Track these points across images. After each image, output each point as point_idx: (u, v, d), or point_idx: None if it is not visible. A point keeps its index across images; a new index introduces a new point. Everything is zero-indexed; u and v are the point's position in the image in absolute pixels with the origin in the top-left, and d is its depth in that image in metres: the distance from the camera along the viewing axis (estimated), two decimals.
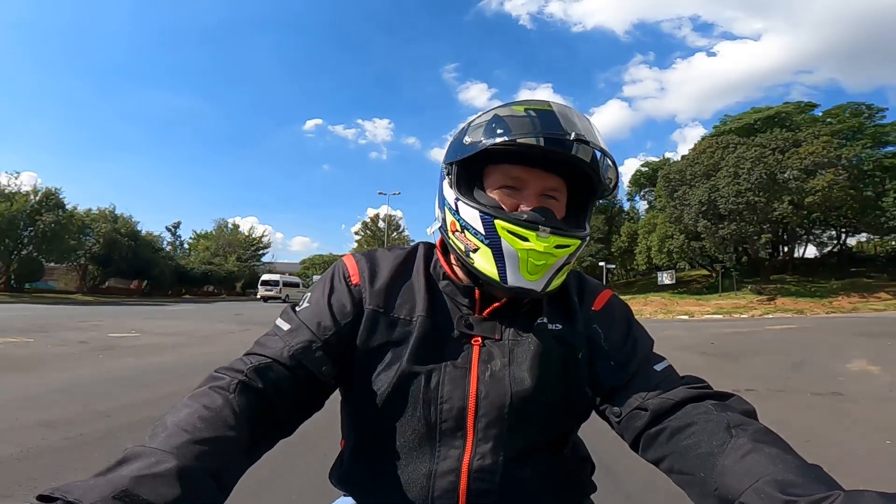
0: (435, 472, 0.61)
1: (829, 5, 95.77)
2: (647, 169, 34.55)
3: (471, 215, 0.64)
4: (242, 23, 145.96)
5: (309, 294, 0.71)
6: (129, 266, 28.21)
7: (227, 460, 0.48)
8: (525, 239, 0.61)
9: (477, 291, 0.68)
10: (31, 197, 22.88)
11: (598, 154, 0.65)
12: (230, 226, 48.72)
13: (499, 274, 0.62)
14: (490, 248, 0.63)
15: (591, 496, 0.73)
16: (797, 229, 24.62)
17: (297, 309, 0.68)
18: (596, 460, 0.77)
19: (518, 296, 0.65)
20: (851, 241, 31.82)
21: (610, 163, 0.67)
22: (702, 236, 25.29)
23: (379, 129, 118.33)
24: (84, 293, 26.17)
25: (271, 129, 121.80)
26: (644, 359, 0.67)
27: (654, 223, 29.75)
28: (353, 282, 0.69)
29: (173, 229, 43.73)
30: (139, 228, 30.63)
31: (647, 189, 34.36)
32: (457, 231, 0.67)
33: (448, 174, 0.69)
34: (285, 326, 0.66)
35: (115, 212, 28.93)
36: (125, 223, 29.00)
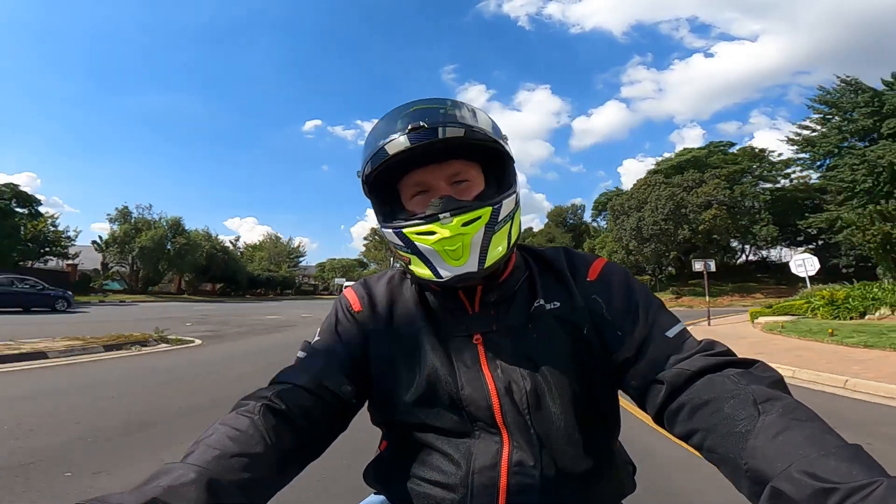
0: (473, 469, 0.61)
1: (826, 7, 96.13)
2: (603, 199, 44.15)
3: (390, 234, 0.67)
4: (243, 24, 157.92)
5: (319, 328, 0.75)
6: (221, 274, 39.12)
7: (256, 475, 0.49)
8: (431, 233, 0.62)
9: (460, 291, 0.68)
10: (164, 224, 33.74)
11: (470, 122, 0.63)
12: (275, 237, 59.74)
13: (433, 273, 0.64)
14: (414, 255, 0.64)
15: (630, 496, 0.70)
16: (698, 246, 33.70)
17: (312, 341, 0.72)
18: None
19: (461, 283, 0.64)
20: (773, 253, 40.57)
21: (478, 121, 0.65)
22: (633, 253, 34.89)
23: None
24: (189, 294, 37.05)
25: (271, 130, 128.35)
26: (652, 323, 0.63)
27: (606, 241, 39.29)
28: (356, 309, 0.73)
29: (234, 242, 54.95)
30: (225, 244, 41.81)
31: (603, 212, 43.92)
32: (395, 253, 0.69)
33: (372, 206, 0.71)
34: (303, 355, 0.69)
35: (209, 232, 39.97)
36: (217, 241, 40.01)
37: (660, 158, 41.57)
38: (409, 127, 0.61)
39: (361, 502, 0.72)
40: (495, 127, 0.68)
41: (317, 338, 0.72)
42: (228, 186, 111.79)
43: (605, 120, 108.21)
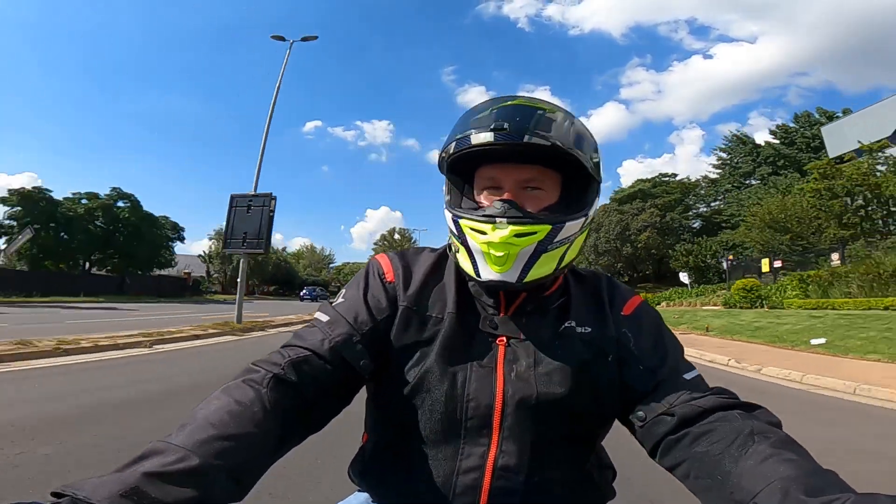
0: (458, 469, 0.61)
1: (824, 8, 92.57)
2: None
3: (449, 218, 0.68)
4: (243, 26, 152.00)
5: (344, 290, 0.71)
6: (282, 278, 51.66)
7: (250, 457, 0.48)
8: (483, 233, 0.62)
9: (501, 291, 0.68)
10: None
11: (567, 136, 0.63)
12: (311, 247, 72.25)
13: (473, 270, 0.65)
14: (463, 246, 0.65)
15: (610, 502, 0.72)
16: (641, 259, 44.83)
17: (334, 303, 0.69)
18: (617, 468, 0.76)
19: (498, 288, 0.66)
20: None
21: (574, 141, 0.64)
22: (592, 264, 46.49)
23: (378, 130, 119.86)
24: (256, 296, 49.38)
25: (271, 131, 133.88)
26: (674, 366, 0.66)
27: None
28: (388, 279, 0.70)
29: (282, 251, 67.77)
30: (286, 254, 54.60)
31: None
32: (450, 234, 0.70)
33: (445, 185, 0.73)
34: (324, 318, 0.67)
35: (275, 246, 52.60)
36: (281, 254, 52.67)
37: (616, 188, 52.48)
38: (494, 126, 0.61)
39: (345, 499, 0.71)
40: (588, 143, 0.67)
41: (341, 300, 0.70)
42: (229, 187, 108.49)
43: (604, 121, 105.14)
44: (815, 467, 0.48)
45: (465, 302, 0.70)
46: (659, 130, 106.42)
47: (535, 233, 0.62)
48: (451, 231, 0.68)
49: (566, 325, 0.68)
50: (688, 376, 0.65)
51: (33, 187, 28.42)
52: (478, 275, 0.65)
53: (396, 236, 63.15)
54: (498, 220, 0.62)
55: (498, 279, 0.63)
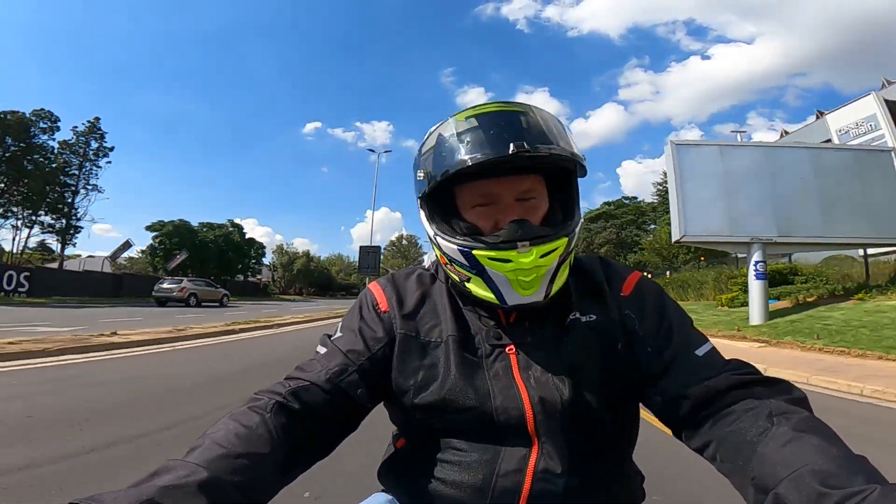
0: (498, 471, 0.60)
1: (821, 10, 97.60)
2: None
3: (451, 249, 0.64)
4: (244, 28, 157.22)
5: (341, 323, 0.72)
6: (324, 283, 65.36)
7: (259, 475, 0.49)
8: (507, 260, 0.60)
9: None
10: (300, 253, 59.95)
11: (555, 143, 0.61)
12: (339, 256, 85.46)
13: (497, 298, 0.63)
14: (479, 276, 0.63)
15: None
16: None
17: (332, 337, 0.69)
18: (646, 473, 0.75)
19: (527, 310, 0.65)
20: None
21: (564, 144, 0.62)
22: None
23: (378, 131, 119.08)
24: (302, 295, 62.73)
25: (271, 132, 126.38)
26: (683, 342, 0.64)
27: None
28: (382, 309, 0.70)
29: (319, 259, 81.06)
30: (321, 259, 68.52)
31: None
32: (447, 263, 0.67)
33: (421, 208, 0.69)
34: (323, 350, 0.67)
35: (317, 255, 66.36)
36: (320, 262, 66.36)
37: (586, 210, 64.88)
38: (513, 149, 0.57)
39: (366, 500, 0.70)
40: (574, 140, 0.65)
41: (339, 334, 0.70)
42: (229, 187, 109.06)
43: (603, 122, 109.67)
44: (839, 452, 0.44)
45: (462, 320, 0.69)
46: (658, 131, 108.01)
47: (556, 249, 0.62)
48: (456, 261, 0.65)
49: (571, 317, 0.67)
50: (699, 352, 0.63)
51: (179, 220, 41.36)
52: (503, 302, 0.63)
53: (404, 242, 70.71)
54: (520, 244, 0.60)
55: (527, 302, 0.63)
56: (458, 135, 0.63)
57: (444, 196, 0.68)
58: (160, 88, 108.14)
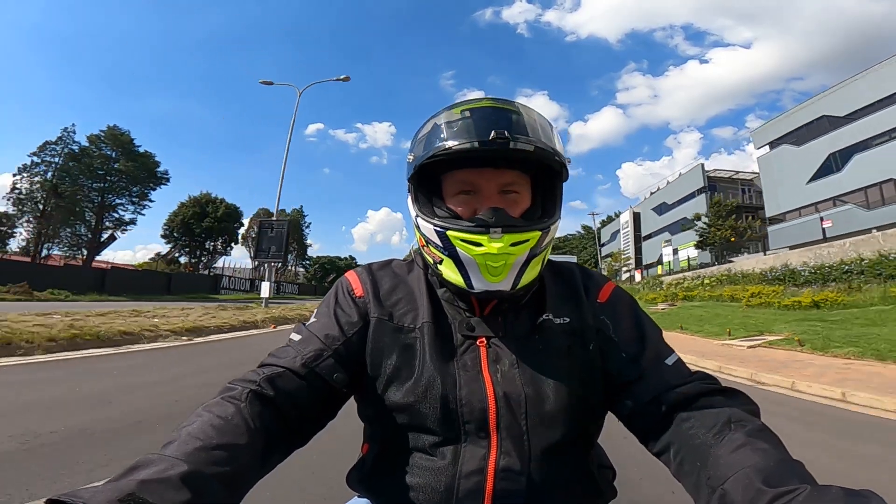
0: (460, 473, 0.61)
1: (819, 14, 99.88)
2: None
3: (429, 229, 0.65)
4: (245, 29, 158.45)
5: (316, 310, 0.72)
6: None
7: (238, 466, 0.49)
8: (478, 244, 0.61)
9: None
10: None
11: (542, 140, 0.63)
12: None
13: (464, 281, 0.64)
14: (450, 258, 0.64)
15: (612, 502, 0.72)
16: None
17: (307, 323, 0.70)
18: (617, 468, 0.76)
19: (492, 297, 0.66)
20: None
21: (551, 146, 0.64)
22: None
23: (379, 133, 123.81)
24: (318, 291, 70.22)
25: (273, 134, 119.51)
26: (655, 352, 0.67)
27: None
28: (357, 294, 0.71)
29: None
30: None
31: None
32: (424, 246, 0.68)
33: (409, 191, 0.70)
34: (297, 338, 0.67)
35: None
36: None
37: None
38: (493, 135, 0.60)
39: None
40: (561, 142, 0.66)
41: (313, 319, 0.70)
42: (229, 188, 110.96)
43: (602, 125, 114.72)
44: (782, 457, 0.49)
45: (437, 309, 0.69)
46: (656, 134, 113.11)
47: (528, 240, 0.63)
48: (431, 242, 0.66)
49: (543, 317, 0.68)
50: (669, 361, 0.66)
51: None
52: (470, 286, 0.64)
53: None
54: (492, 229, 0.61)
55: (493, 289, 0.63)
56: (449, 123, 0.65)
57: (431, 182, 0.70)
58: (161, 90, 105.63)
